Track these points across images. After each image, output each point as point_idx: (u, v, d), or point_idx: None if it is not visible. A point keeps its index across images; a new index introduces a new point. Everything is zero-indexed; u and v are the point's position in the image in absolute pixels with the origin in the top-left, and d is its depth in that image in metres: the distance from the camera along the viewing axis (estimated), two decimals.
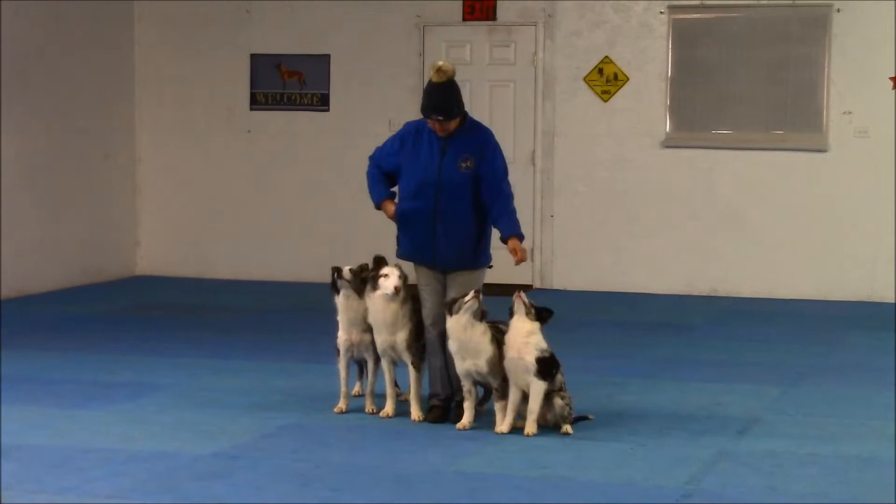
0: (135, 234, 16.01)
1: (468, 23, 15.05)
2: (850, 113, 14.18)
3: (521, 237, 8.67)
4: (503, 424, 8.34)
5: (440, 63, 8.61)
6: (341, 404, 8.90)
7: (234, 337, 11.98)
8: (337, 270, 8.81)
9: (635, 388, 9.87)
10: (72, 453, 7.82)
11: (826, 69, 14.23)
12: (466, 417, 8.46)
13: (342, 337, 8.87)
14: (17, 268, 13.90)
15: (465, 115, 8.70)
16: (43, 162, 14.45)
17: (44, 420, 8.66)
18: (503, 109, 14.91)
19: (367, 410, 8.89)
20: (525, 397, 8.33)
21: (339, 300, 8.83)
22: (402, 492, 7.14)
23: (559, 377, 8.38)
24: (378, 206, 8.92)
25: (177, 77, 15.81)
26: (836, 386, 10.03)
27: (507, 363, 8.30)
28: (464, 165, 8.59)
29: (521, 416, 8.40)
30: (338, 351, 8.94)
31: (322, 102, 15.51)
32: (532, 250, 14.98)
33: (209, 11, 15.68)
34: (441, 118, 8.52)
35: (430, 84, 8.55)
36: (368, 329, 8.79)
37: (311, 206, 15.53)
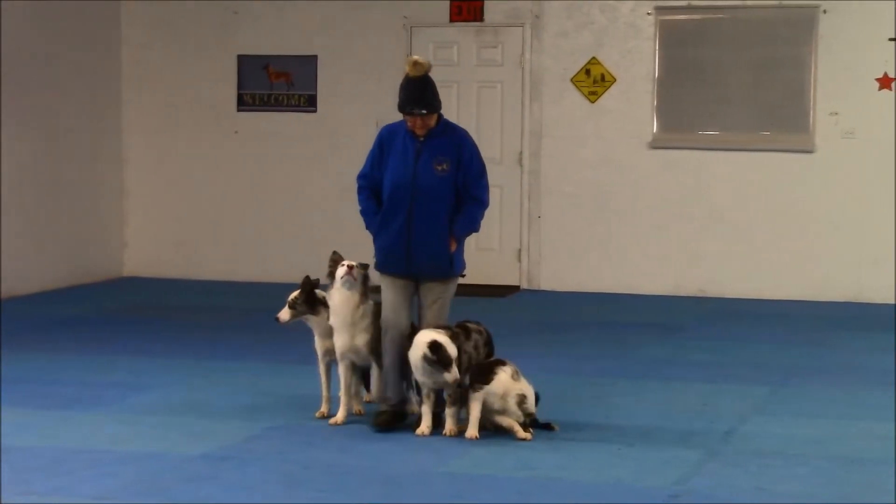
0: (122, 235, 15.98)
1: (455, 24, 15.04)
2: (836, 114, 14.20)
3: (459, 240, 8.47)
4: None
5: (415, 57, 8.41)
6: (323, 408, 8.83)
7: (222, 338, 11.97)
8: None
9: (623, 388, 9.88)
10: (60, 455, 7.81)
11: (813, 70, 14.26)
12: (425, 422, 8.35)
13: (317, 342, 8.85)
14: (3, 269, 13.86)
15: (440, 115, 8.50)
16: (30, 163, 14.41)
17: (32, 421, 8.65)
18: (490, 110, 14.90)
19: (353, 411, 8.88)
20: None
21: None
22: (390, 493, 7.14)
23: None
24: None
25: (164, 78, 15.79)
26: (823, 386, 10.06)
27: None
28: (439, 168, 8.38)
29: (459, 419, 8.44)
30: (317, 354, 8.89)
31: (309, 103, 15.50)
32: (520, 251, 15.01)
33: (196, 12, 15.66)
34: (424, 111, 8.31)
35: (407, 78, 8.32)
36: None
37: (298, 207, 15.52)
